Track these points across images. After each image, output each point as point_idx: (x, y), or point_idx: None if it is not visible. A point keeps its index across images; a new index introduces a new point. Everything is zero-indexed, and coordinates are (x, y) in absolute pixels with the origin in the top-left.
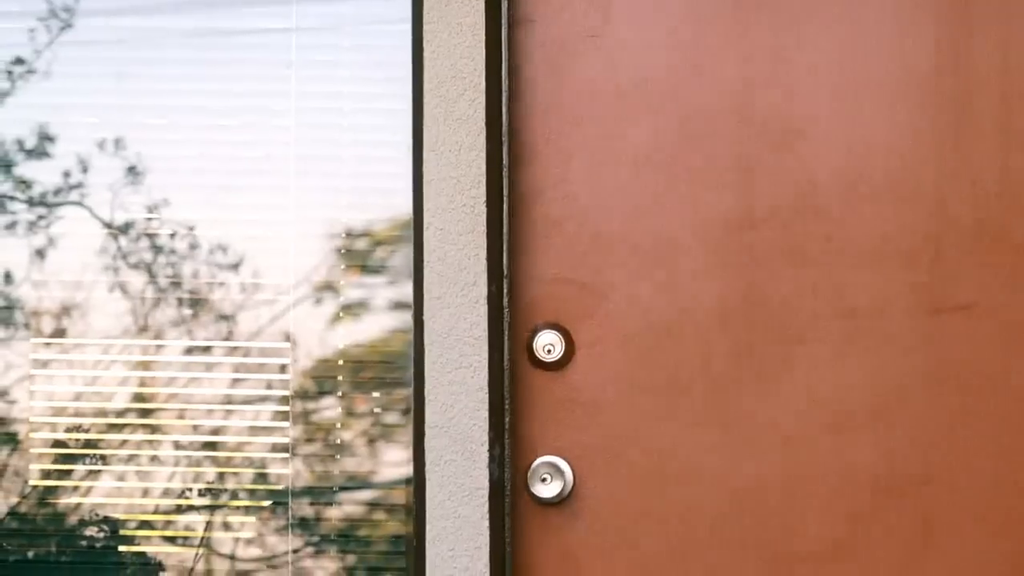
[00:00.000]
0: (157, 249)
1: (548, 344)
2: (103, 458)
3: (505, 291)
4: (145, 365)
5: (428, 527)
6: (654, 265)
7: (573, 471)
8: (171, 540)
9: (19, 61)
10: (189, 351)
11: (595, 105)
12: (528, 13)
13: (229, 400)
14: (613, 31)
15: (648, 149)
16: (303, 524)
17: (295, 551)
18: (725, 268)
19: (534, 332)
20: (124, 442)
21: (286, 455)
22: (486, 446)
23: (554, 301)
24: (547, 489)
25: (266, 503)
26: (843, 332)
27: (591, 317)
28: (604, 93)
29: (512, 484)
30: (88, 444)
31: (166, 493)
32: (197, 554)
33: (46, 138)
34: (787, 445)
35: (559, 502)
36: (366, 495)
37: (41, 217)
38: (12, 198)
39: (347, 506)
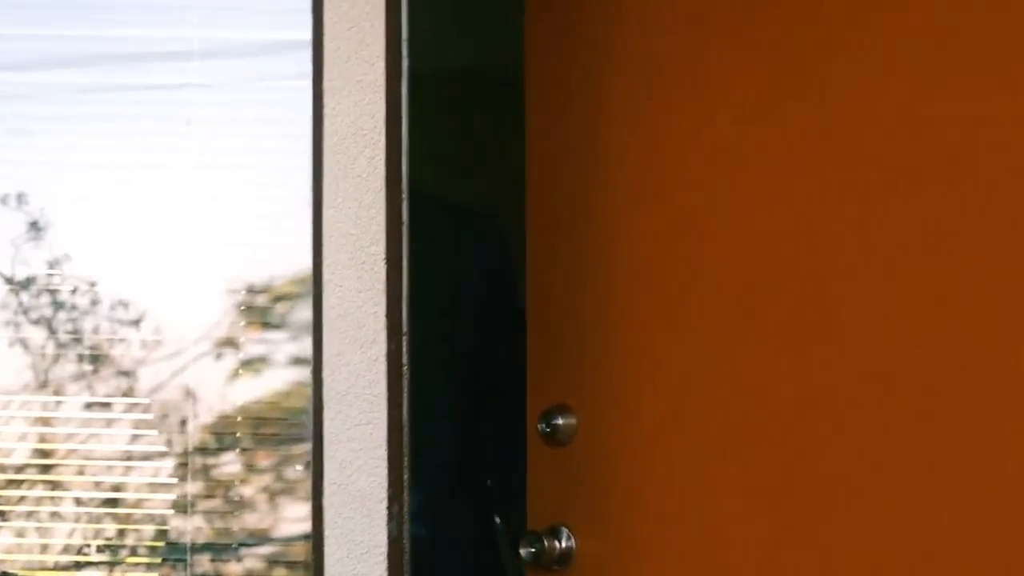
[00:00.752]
0: (58, 304)
1: (557, 422)
2: (1, 514)
3: (404, 348)
4: (45, 421)
5: None
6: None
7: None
8: None
9: None
10: (89, 407)
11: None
12: None
13: (129, 456)
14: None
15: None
16: None
17: None
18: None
19: (545, 411)
20: (22, 498)
21: (185, 511)
22: (384, 504)
23: (563, 382)
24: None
25: (165, 559)
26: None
27: (596, 396)
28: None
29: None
30: None
31: (65, 549)
32: None
33: None
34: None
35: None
36: (265, 551)
37: None
38: None
39: (247, 561)
